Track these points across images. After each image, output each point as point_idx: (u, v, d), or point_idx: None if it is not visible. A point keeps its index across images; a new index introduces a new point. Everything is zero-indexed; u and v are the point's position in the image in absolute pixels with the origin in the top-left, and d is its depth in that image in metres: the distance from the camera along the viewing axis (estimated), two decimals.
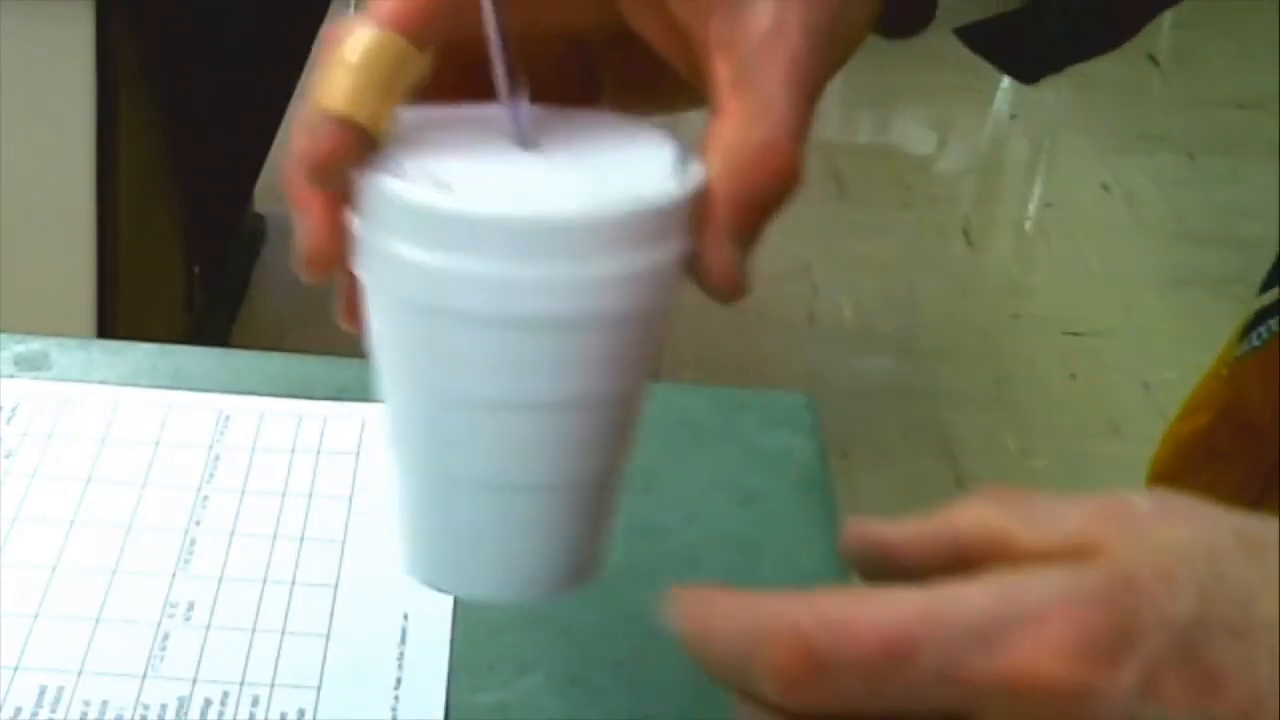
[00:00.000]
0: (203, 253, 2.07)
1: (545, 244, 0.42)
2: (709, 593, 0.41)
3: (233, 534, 0.64)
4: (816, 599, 0.39)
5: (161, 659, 0.58)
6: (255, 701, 0.56)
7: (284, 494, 0.66)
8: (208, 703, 0.56)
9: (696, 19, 0.45)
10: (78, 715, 0.55)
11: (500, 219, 0.42)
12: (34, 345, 0.74)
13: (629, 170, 0.45)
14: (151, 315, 1.87)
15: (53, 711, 0.55)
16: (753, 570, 0.65)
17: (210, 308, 2.16)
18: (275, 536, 0.64)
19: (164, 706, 0.56)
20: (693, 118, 0.48)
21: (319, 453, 0.68)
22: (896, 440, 2.30)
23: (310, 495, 0.66)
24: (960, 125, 3.19)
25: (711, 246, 0.44)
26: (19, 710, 0.55)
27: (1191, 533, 0.38)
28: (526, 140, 0.45)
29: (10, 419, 0.69)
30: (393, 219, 0.43)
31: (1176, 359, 2.51)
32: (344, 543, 0.64)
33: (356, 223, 0.44)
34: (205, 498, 0.66)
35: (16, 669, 0.57)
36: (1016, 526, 0.40)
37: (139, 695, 0.56)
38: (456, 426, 0.45)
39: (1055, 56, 0.54)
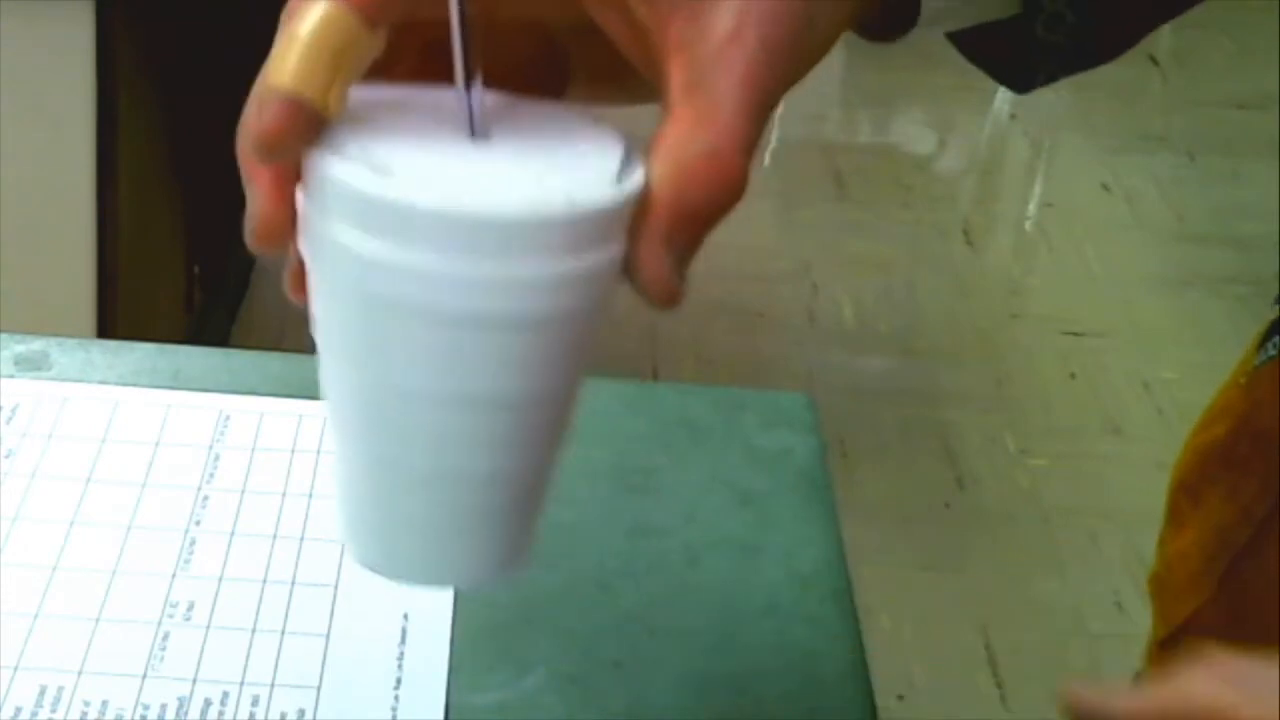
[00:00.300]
0: (203, 253, 2.07)
1: (477, 240, 0.42)
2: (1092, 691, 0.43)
3: (233, 534, 0.64)
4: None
5: (161, 659, 0.58)
6: (255, 701, 0.56)
7: (284, 494, 0.66)
8: (208, 703, 0.56)
9: (657, 20, 0.45)
10: (78, 715, 0.55)
11: (433, 211, 0.42)
12: (34, 345, 0.74)
13: (573, 169, 0.44)
14: (151, 315, 1.87)
15: (53, 711, 0.55)
16: (753, 570, 0.65)
17: (210, 308, 2.16)
18: (275, 536, 0.64)
19: (164, 706, 0.56)
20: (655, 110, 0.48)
21: (319, 453, 0.68)
22: (896, 440, 2.30)
23: (310, 495, 0.66)
24: (960, 125, 3.19)
25: (647, 252, 0.44)
26: (19, 710, 0.55)
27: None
28: (476, 129, 0.45)
29: (10, 419, 0.69)
30: (330, 200, 0.43)
31: (1176, 359, 2.51)
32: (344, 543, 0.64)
33: (300, 199, 0.44)
34: (205, 498, 0.66)
35: (16, 669, 0.57)
36: (1240, 700, 0.42)
37: (139, 695, 0.56)
38: (390, 414, 0.45)
39: (1047, 67, 0.54)
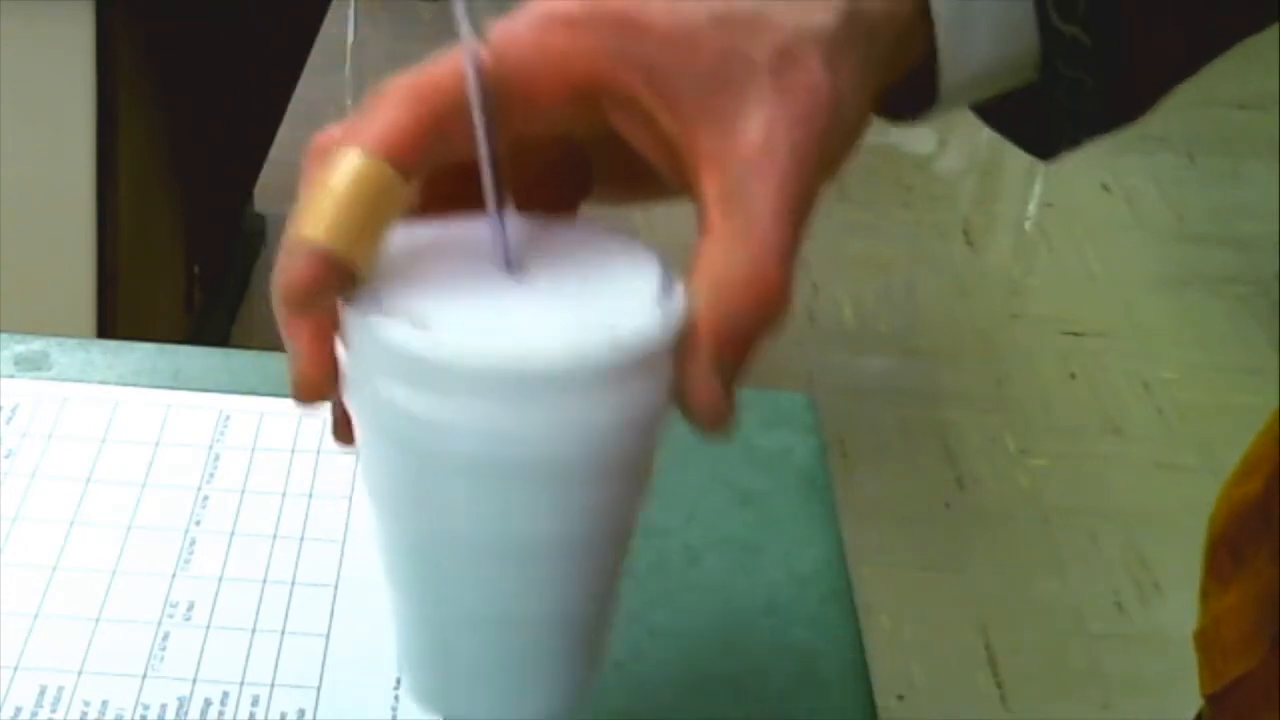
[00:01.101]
0: (203, 253, 2.07)
1: (522, 391, 0.41)
2: None
3: (233, 534, 0.64)
4: None
5: (161, 659, 0.58)
6: (255, 701, 0.56)
7: (284, 494, 0.66)
8: (208, 703, 0.56)
9: (685, 131, 0.44)
10: (78, 715, 0.55)
11: (476, 366, 0.41)
12: (34, 345, 0.74)
13: (613, 298, 0.43)
14: (151, 315, 1.87)
15: (53, 711, 0.55)
16: (753, 570, 0.65)
17: (210, 308, 2.16)
18: (275, 536, 0.64)
19: (164, 706, 0.56)
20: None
21: (319, 453, 0.68)
22: (896, 440, 2.30)
23: (310, 495, 0.66)
24: (960, 125, 3.18)
25: (694, 378, 0.43)
26: (19, 710, 0.55)
27: None
28: (511, 264, 0.44)
29: (10, 419, 0.69)
30: (370, 356, 0.42)
31: (1176, 359, 2.51)
32: (344, 543, 0.64)
33: (341, 353, 0.44)
34: (205, 498, 0.66)
35: (16, 669, 0.57)
36: None
37: (139, 695, 0.56)
38: (441, 561, 0.45)
39: (1071, 132, 0.53)
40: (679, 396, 0.43)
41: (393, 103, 0.44)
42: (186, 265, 2.04)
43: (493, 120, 0.43)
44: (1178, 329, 2.59)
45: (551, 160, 0.48)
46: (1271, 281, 2.66)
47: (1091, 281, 2.71)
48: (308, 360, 0.44)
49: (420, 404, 0.42)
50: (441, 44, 0.44)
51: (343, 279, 0.42)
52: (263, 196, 2.36)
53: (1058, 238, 2.83)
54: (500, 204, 0.44)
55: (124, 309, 1.68)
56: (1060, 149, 0.54)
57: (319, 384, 0.44)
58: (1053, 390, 2.43)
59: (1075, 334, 2.56)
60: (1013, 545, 2.13)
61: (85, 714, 0.55)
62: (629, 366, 0.42)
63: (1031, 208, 2.93)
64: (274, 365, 0.74)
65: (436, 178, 0.45)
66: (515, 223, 0.44)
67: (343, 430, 0.46)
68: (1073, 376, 2.46)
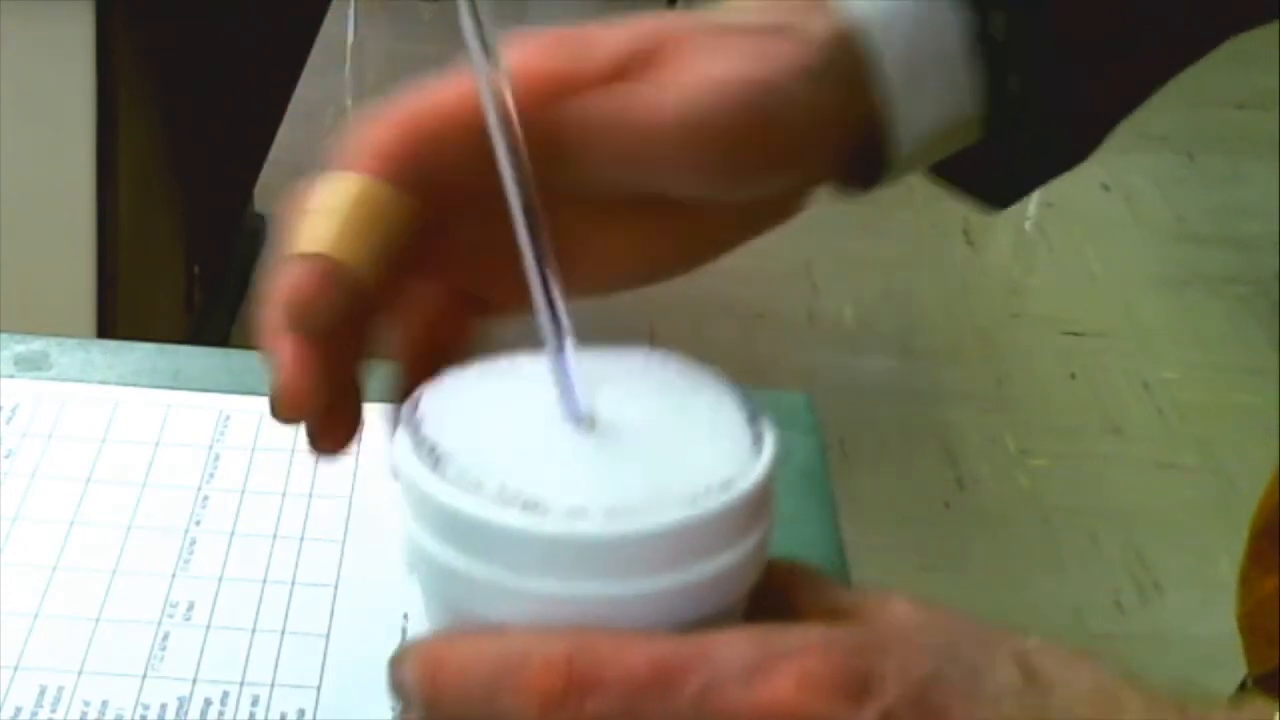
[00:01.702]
0: (203, 253, 2.07)
1: (614, 562, 0.39)
2: (444, 637, 0.41)
3: (233, 534, 0.64)
4: (583, 631, 0.39)
5: (161, 659, 0.58)
6: (255, 701, 0.56)
7: (284, 494, 0.66)
8: (208, 703, 0.56)
9: None
10: (78, 715, 0.55)
11: (565, 537, 0.39)
12: (34, 345, 0.74)
13: (703, 454, 0.41)
14: (151, 315, 1.87)
15: (53, 711, 0.55)
16: None
17: (210, 308, 2.16)
18: (275, 536, 0.64)
19: (164, 706, 0.56)
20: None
21: None
22: (896, 440, 2.30)
23: (310, 495, 0.66)
24: None
25: None
26: (19, 710, 0.55)
27: (931, 615, 0.42)
28: (579, 418, 0.41)
29: (10, 419, 0.69)
30: (443, 529, 0.40)
31: (1176, 359, 2.51)
32: (344, 543, 0.64)
33: (409, 521, 0.41)
34: (205, 498, 0.66)
35: (16, 669, 0.57)
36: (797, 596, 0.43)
37: (139, 695, 0.56)
38: None
39: (1021, 182, 0.54)
40: None
41: (377, 125, 0.44)
42: (186, 265, 2.05)
43: (526, 178, 0.42)
44: (1178, 329, 2.59)
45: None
46: (1271, 281, 2.66)
47: (1091, 281, 2.71)
48: (291, 372, 0.43)
49: (484, 573, 0.40)
50: (442, 44, 0.43)
51: (345, 287, 0.42)
52: (263, 196, 2.36)
53: (1058, 238, 2.83)
54: (560, 341, 0.42)
55: (124, 309, 1.68)
56: (1012, 199, 0.54)
57: (302, 398, 0.43)
58: (1053, 390, 2.44)
59: (1075, 334, 2.56)
60: (1013, 545, 2.13)
61: (85, 714, 0.55)
62: (724, 524, 0.40)
63: (1031, 208, 2.93)
64: None
65: (440, 193, 0.45)
66: (576, 365, 0.42)
67: (321, 442, 0.46)
68: (1073, 376, 2.46)
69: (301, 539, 0.64)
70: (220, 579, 0.61)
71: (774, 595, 0.42)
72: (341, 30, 3.18)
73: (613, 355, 0.44)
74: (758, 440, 0.41)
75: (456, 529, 0.40)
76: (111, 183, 1.61)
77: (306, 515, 0.65)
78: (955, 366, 2.47)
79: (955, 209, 2.96)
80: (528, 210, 0.42)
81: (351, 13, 3.24)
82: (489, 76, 0.42)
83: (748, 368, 2.38)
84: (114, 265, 1.65)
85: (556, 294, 0.42)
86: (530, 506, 0.39)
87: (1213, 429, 2.34)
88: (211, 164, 1.96)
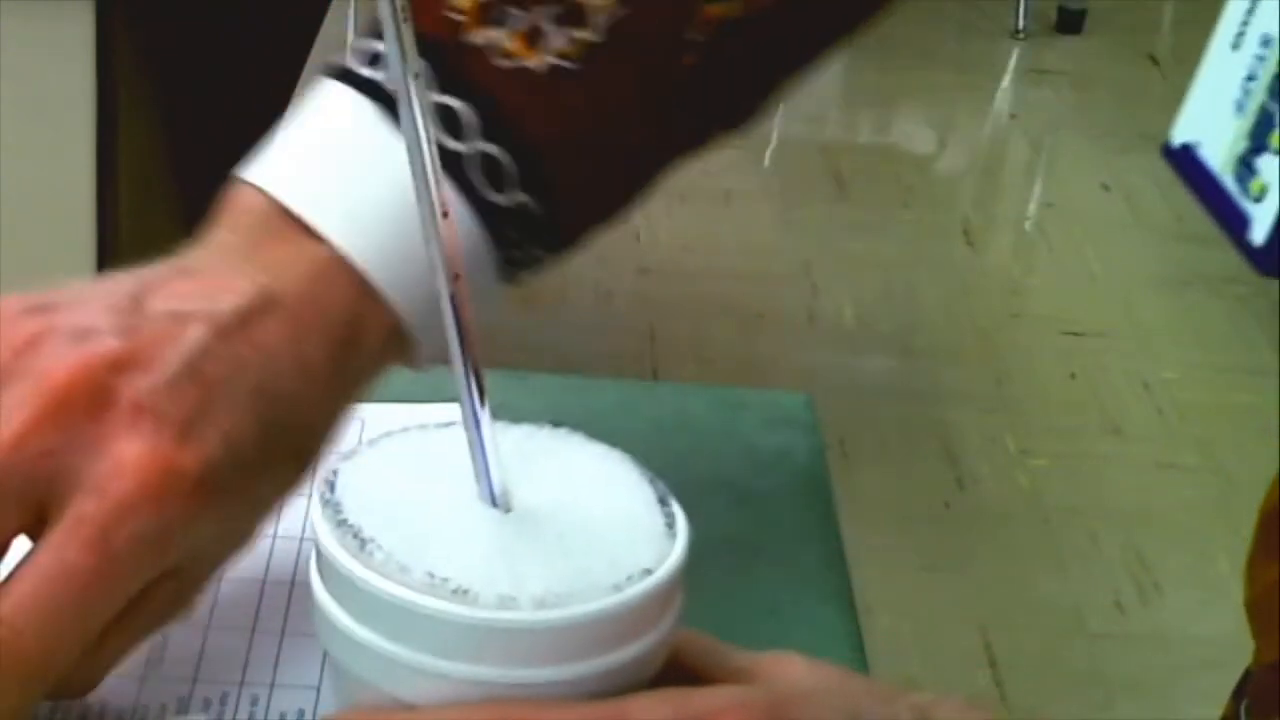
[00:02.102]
0: None
1: (542, 648, 0.40)
2: (364, 714, 0.43)
3: None
4: (503, 704, 0.40)
5: (161, 659, 0.58)
6: (255, 701, 0.56)
7: None
8: (208, 703, 0.56)
9: None
10: (78, 715, 0.55)
11: (495, 625, 0.40)
12: None
13: (620, 540, 0.42)
14: None
15: (53, 712, 0.55)
16: (752, 570, 0.65)
17: None
18: (275, 536, 0.64)
19: (164, 706, 0.56)
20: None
21: None
22: (896, 440, 2.30)
23: (310, 495, 0.66)
24: (960, 125, 3.19)
25: None
26: None
27: (826, 673, 0.46)
28: (497, 501, 0.43)
29: None
30: (356, 604, 0.42)
31: (1176, 359, 2.51)
32: None
33: (321, 595, 0.43)
34: None
35: None
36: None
37: (139, 695, 0.56)
38: None
39: (531, 258, 0.57)
40: None
41: None
42: None
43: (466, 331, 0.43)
44: (1178, 329, 2.59)
45: None
46: (1272, 281, 2.66)
47: (1091, 281, 2.71)
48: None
49: (410, 657, 0.41)
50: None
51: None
52: None
53: (1058, 238, 2.83)
54: (476, 424, 0.43)
55: None
56: (524, 270, 0.57)
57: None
58: (1053, 390, 2.44)
59: (1075, 334, 2.56)
60: (1013, 545, 2.13)
61: (86, 714, 0.55)
62: (642, 610, 0.42)
63: (1031, 208, 2.93)
64: None
65: None
66: (491, 445, 0.43)
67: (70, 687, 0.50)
68: (1073, 376, 2.46)
69: (301, 539, 0.64)
70: (220, 579, 0.61)
71: (673, 660, 0.44)
72: (341, 30, 3.18)
73: (523, 432, 0.45)
74: (670, 522, 0.43)
75: (381, 613, 0.41)
76: (111, 183, 1.61)
77: (306, 515, 0.65)
78: (955, 366, 2.47)
79: (955, 209, 2.95)
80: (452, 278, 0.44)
81: (351, 13, 3.24)
82: (405, 72, 0.43)
83: (748, 368, 2.38)
84: (114, 265, 1.65)
85: (475, 380, 0.43)
86: (459, 594, 0.40)
87: (1213, 429, 2.35)
88: (211, 164, 1.96)
